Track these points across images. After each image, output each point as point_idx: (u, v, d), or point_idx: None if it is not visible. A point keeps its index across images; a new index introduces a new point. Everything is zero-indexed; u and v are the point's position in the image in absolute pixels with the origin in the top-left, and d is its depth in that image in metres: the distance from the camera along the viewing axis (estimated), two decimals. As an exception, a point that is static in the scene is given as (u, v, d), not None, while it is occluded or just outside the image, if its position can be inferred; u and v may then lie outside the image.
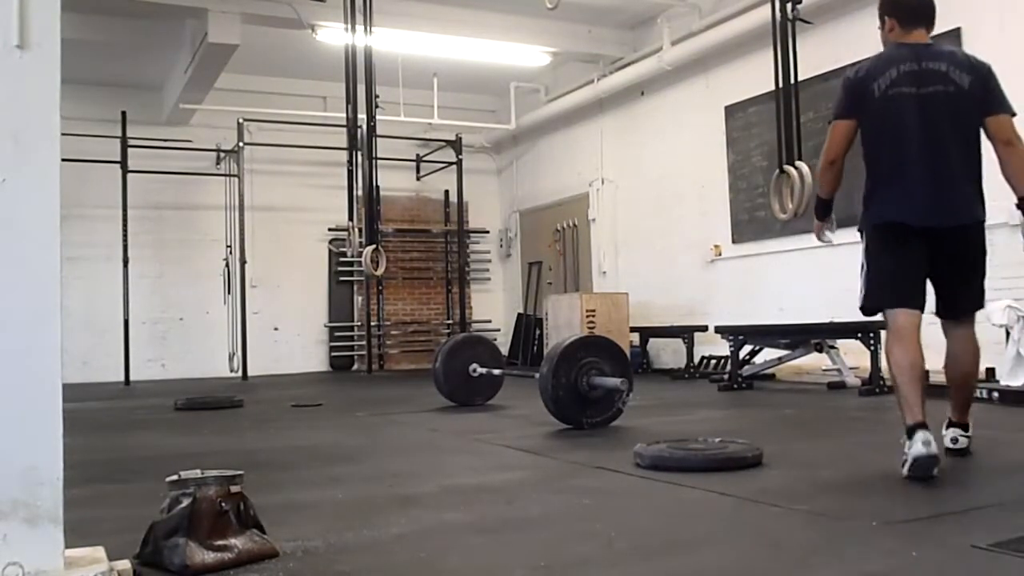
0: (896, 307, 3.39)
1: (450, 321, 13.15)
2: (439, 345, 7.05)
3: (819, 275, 8.14)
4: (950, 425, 3.59)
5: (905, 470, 3.07)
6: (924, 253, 3.42)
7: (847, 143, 3.66)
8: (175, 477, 2.23)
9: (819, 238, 4.18)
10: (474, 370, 6.42)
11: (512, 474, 3.58)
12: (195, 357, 11.66)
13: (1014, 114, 3.59)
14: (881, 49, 3.68)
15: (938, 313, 3.54)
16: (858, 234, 3.73)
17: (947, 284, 3.47)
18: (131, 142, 10.91)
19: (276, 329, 12.21)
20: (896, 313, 3.39)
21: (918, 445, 3.05)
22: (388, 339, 12.88)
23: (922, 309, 3.40)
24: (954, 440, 3.54)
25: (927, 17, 3.62)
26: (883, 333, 6.49)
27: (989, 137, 3.58)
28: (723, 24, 8.93)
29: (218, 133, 11.52)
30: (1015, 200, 3.56)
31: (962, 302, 3.50)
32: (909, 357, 3.30)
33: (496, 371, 6.51)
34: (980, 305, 3.52)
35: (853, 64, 3.89)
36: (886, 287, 3.48)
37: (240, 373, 10.98)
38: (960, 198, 3.47)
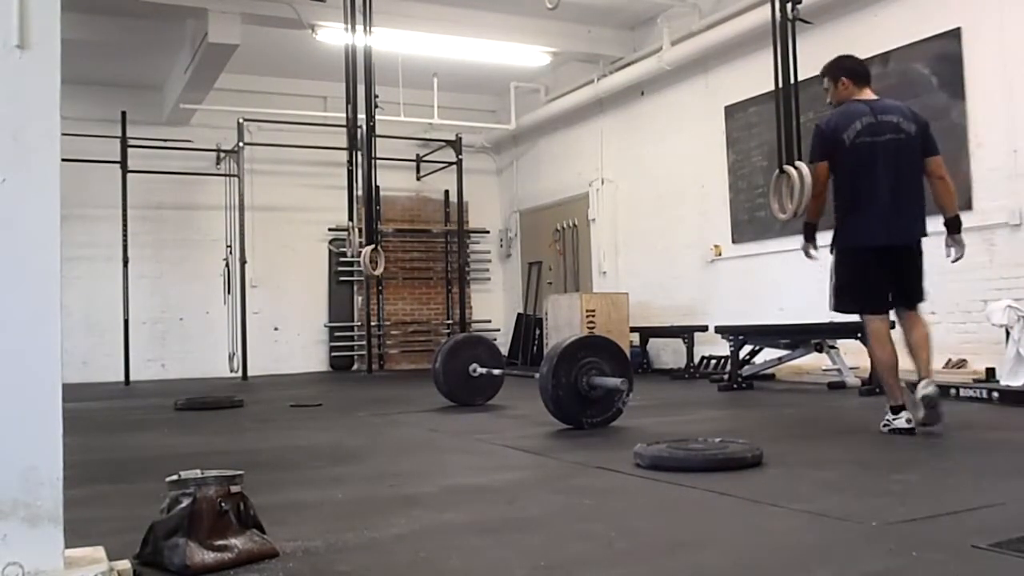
0: (870, 313, 4.54)
1: (450, 321, 13.15)
2: (439, 345, 7.05)
3: (819, 275, 8.12)
4: (921, 379, 4.36)
5: (886, 430, 4.34)
6: (885, 267, 4.51)
7: (827, 180, 4.66)
8: (175, 477, 2.23)
9: (807, 255, 4.94)
10: (474, 370, 6.43)
11: (512, 474, 3.58)
12: (195, 357, 11.67)
13: (940, 154, 4.73)
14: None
15: (897, 305, 4.59)
16: (830, 248, 4.68)
17: (904, 285, 4.55)
18: (131, 142, 10.91)
19: (276, 329, 12.22)
20: (872, 319, 4.54)
21: (902, 421, 4.30)
22: (388, 339, 12.88)
23: (888, 311, 4.60)
24: (931, 388, 4.29)
25: (869, 77, 4.78)
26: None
27: (927, 174, 4.63)
28: (723, 24, 8.93)
29: (218, 133, 11.52)
30: (943, 221, 4.66)
31: (914, 297, 4.57)
32: (887, 355, 4.47)
33: (496, 371, 6.51)
34: (924, 298, 4.62)
35: (822, 115, 4.93)
36: (860, 298, 4.57)
37: (240, 373, 10.98)
38: (911, 223, 4.53)
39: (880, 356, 4.51)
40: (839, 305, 4.67)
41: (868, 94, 4.65)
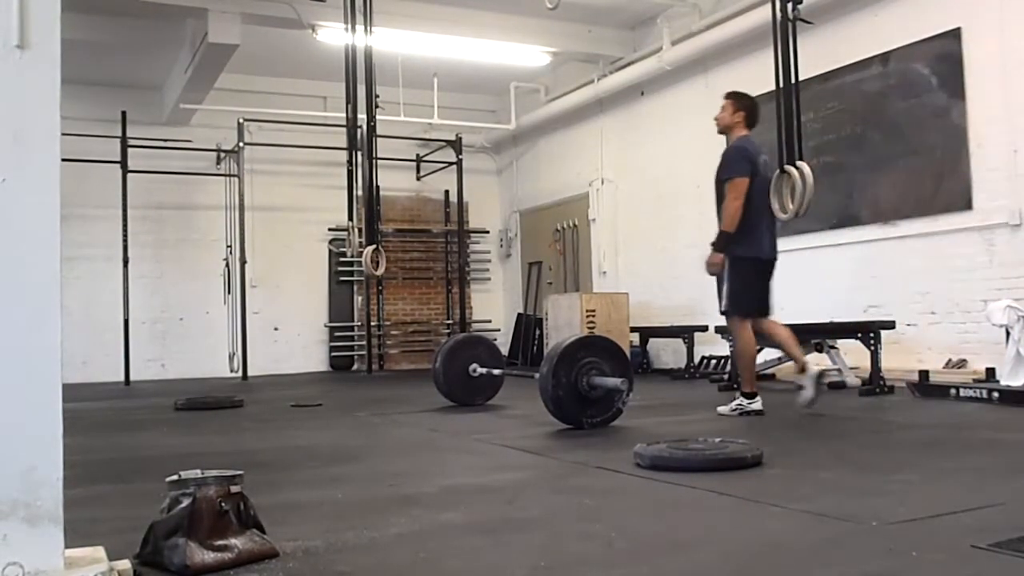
0: (757, 316, 5.44)
1: (450, 321, 13.15)
2: (439, 345, 7.04)
3: (819, 275, 8.14)
4: (803, 365, 5.24)
5: (736, 413, 5.31)
6: (768, 277, 5.48)
7: (747, 195, 5.40)
8: (175, 477, 2.23)
9: (709, 269, 5.56)
10: (474, 370, 6.42)
11: (512, 474, 3.58)
12: (195, 357, 11.66)
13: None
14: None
15: (763, 312, 5.48)
16: (726, 255, 5.41)
17: (770, 294, 5.50)
18: (131, 142, 10.92)
19: (276, 329, 12.22)
20: (766, 321, 5.46)
21: (757, 404, 5.32)
22: (388, 339, 12.88)
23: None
24: (818, 367, 5.26)
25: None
26: (882, 333, 6.54)
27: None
28: (723, 24, 8.93)
29: (218, 133, 11.52)
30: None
31: (771, 304, 5.53)
32: (754, 350, 5.61)
33: (496, 371, 6.51)
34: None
35: (740, 139, 5.63)
36: (755, 301, 5.45)
37: (240, 373, 10.98)
38: (776, 244, 5.57)
39: (751, 351, 5.52)
40: (735, 308, 5.42)
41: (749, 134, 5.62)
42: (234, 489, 2.23)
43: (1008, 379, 5.67)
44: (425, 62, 10.65)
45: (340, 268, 12.56)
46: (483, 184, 13.59)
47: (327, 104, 11.47)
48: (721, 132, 5.78)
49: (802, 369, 5.22)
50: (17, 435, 1.79)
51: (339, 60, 8.20)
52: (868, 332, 6.56)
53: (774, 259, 5.51)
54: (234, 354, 11.14)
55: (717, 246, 5.45)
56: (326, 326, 12.62)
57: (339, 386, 9.85)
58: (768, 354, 7.66)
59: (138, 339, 11.07)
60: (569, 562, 2.17)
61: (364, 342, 12.32)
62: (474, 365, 6.43)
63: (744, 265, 5.40)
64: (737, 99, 5.70)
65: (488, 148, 13.48)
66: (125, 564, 2.03)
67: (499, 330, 13.31)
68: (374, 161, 8.10)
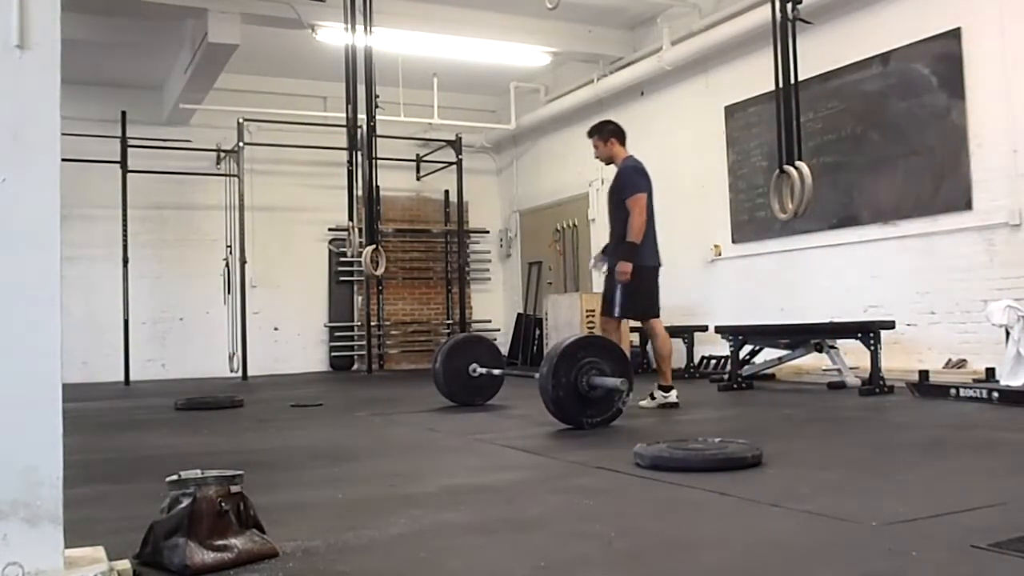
0: (654, 317, 6.01)
1: (450, 321, 13.15)
2: (439, 345, 7.04)
3: (819, 275, 8.15)
4: (665, 388, 5.90)
5: (655, 405, 5.85)
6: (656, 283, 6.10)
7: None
8: (175, 477, 2.23)
9: (621, 278, 5.89)
10: (474, 370, 6.42)
11: (512, 474, 3.58)
12: (195, 357, 11.66)
13: None
14: None
15: (651, 315, 6.04)
16: (629, 263, 5.85)
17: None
18: (131, 142, 10.92)
19: (276, 329, 12.21)
20: (659, 321, 6.02)
21: (673, 396, 5.87)
22: (388, 339, 12.88)
23: None
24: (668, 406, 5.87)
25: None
26: (882, 333, 6.54)
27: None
28: (723, 24, 8.92)
29: (218, 133, 11.52)
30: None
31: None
32: (671, 346, 6.04)
33: (496, 371, 6.51)
34: None
35: (629, 157, 6.28)
36: (650, 304, 6.00)
37: (240, 373, 10.98)
38: None
39: (669, 347, 5.98)
40: (626, 311, 5.93)
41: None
42: (234, 489, 2.23)
43: (1008, 379, 5.67)
44: (425, 62, 10.64)
45: (340, 268, 12.56)
46: (483, 184, 13.59)
47: (327, 104, 11.47)
48: (608, 163, 6.39)
49: (667, 388, 5.87)
50: (17, 435, 1.79)
51: (339, 60, 8.21)
52: (868, 332, 6.56)
53: (659, 267, 6.15)
54: (234, 354, 11.14)
55: (627, 257, 5.88)
56: (326, 326, 12.62)
57: (339, 386, 9.85)
58: (768, 354, 7.68)
59: (138, 339, 11.07)
60: (569, 562, 2.17)
61: (364, 342, 12.32)
62: (474, 365, 6.43)
63: (649, 273, 5.97)
64: (599, 132, 6.28)
65: (488, 148, 13.47)
66: (125, 564, 2.03)
67: (499, 330, 13.31)
68: (374, 161, 8.10)
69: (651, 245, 6.02)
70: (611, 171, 11.11)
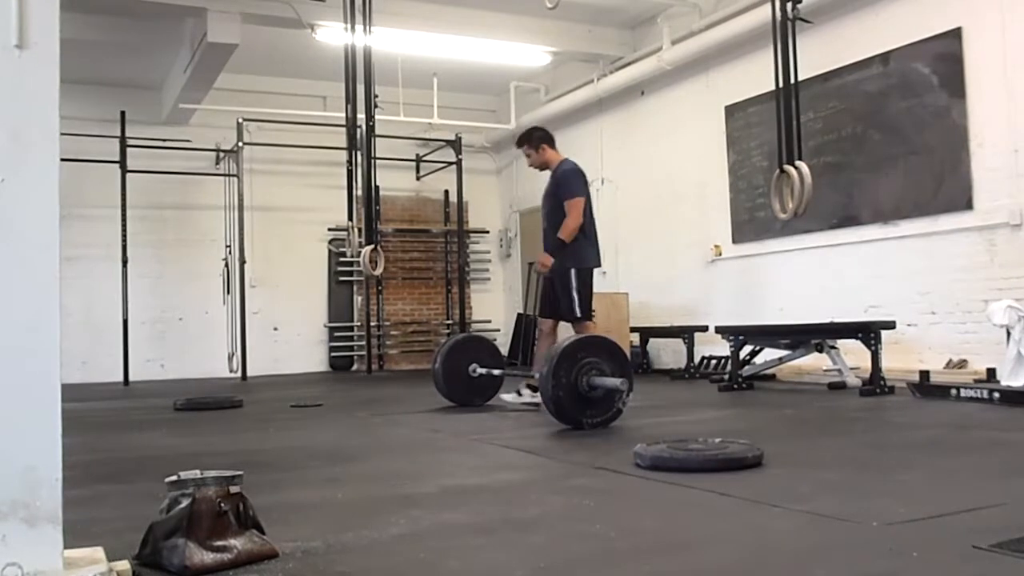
0: (590, 320, 6.10)
1: (450, 321, 13.14)
2: (439, 345, 7.04)
3: (819, 275, 8.15)
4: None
5: (519, 402, 6.08)
6: None
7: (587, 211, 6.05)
8: (174, 477, 2.22)
9: (541, 269, 6.12)
10: (474, 370, 6.42)
11: (512, 474, 3.58)
12: (195, 357, 11.66)
13: None
14: None
15: (589, 317, 6.09)
16: (573, 267, 5.99)
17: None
18: (130, 142, 10.92)
19: (276, 329, 12.21)
20: (590, 323, 6.10)
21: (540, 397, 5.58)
22: (388, 339, 12.88)
23: None
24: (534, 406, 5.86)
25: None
26: (883, 333, 6.54)
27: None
28: (723, 24, 8.93)
29: (218, 133, 11.52)
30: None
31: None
32: None
33: (496, 371, 6.50)
34: None
35: (567, 160, 6.35)
36: (590, 306, 6.06)
37: (240, 373, 10.98)
38: None
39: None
40: (587, 313, 6.03)
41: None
42: (233, 489, 2.22)
43: (1008, 379, 5.67)
44: (425, 62, 10.64)
45: (340, 268, 12.56)
46: (483, 184, 13.59)
47: (327, 104, 11.47)
48: (542, 169, 6.43)
49: (535, 388, 5.84)
50: (16, 435, 1.79)
51: (339, 60, 8.20)
52: (868, 332, 6.56)
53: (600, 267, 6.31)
54: (234, 354, 11.14)
55: (554, 251, 6.02)
56: (326, 326, 12.61)
57: (339, 386, 9.85)
58: (768, 354, 7.68)
59: (137, 339, 11.07)
60: (569, 562, 2.16)
61: (364, 342, 12.32)
62: (474, 365, 6.43)
63: (589, 276, 6.10)
64: (528, 140, 6.30)
65: (488, 148, 13.47)
66: (124, 565, 2.02)
67: (499, 330, 13.30)
68: (374, 161, 8.10)
69: (594, 247, 6.14)
70: (613, 169, 11.25)
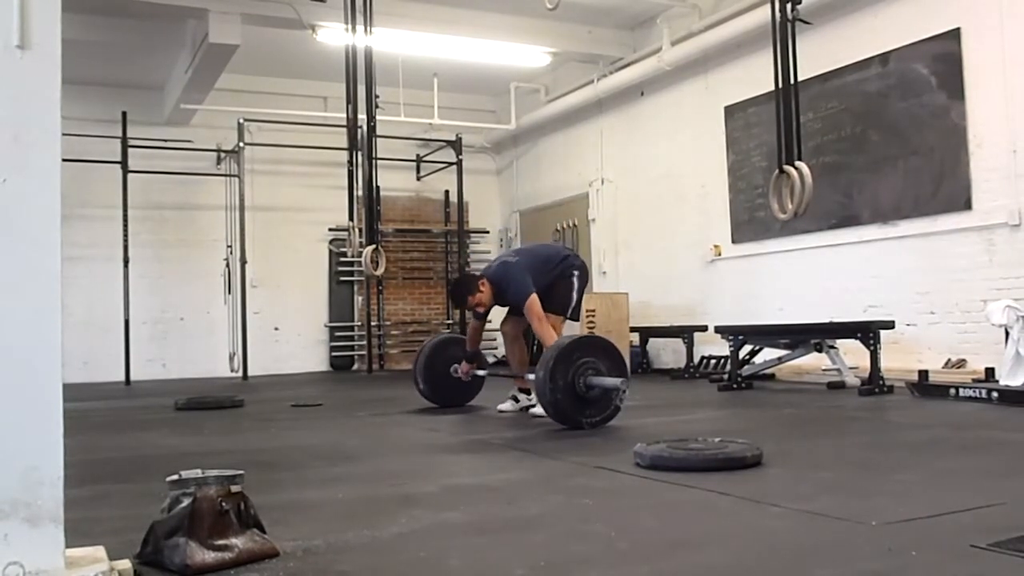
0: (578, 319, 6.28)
1: (450, 321, 13.14)
2: (419, 349, 6.88)
3: (819, 275, 8.15)
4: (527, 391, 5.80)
5: (517, 409, 5.95)
6: None
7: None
8: (175, 477, 2.23)
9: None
10: (455, 371, 6.35)
11: (512, 474, 3.59)
12: (195, 357, 11.66)
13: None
14: None
15: (573, 317, 6.12)
16: (575, 271, 6.09)
17: None
18: (132, 142, 10.92)
19: (276, 329, 12.21)
20: (566, 323, 6.08)
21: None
22: (388, 339, 12.88)
23: None
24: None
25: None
26: (882, 333, 6.55)
27: None
28: (723, 24, 8.93)
29: (218, 133, 11.52)
30: None
31: None
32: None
33: (480, 372, 6.45)
34: None
35: (501, 265, 6.35)
36: (578, 308, 6.08)
37: (240, 373, 10.98)
38: None
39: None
40: (575, 315, 6.12)
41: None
42: (234, 489, 2.23)
43: (1007, 379, 5.67)
44: (425, 62, 10.64)
45: (340, 268, 12.56)
46: (483, 184, 13.59)
47: (327, 104, 11.47)
48: (497, 300, 6.12)
49: (526, 391, 5.89)
50: (17, 435, 1.80)
51: (339, 60, 8.20)
52: (868, 332, 6.56)
53: None
54: (234, 354, 11.15)
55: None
56: (326, 326, 12.62)
57: (339, 386, 9.85)
58: (768, 354, 7.69)
59: (139, 339, 11.07)
60: (569, 562, 2.17)
61: (364, 342, 12.32)
62: (455, 366, 6.36)
63: (584, 285, 6.14)
64: (469, 291, 6.05)
65: (488, 148, 13.48)
66: (125, 564, 2.03)
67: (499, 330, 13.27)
68: (374, 161, 8.10)
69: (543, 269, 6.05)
70: (613, 170, 11.26)
